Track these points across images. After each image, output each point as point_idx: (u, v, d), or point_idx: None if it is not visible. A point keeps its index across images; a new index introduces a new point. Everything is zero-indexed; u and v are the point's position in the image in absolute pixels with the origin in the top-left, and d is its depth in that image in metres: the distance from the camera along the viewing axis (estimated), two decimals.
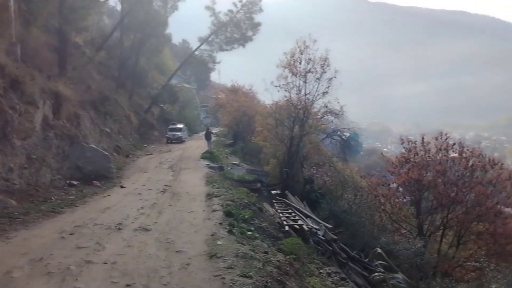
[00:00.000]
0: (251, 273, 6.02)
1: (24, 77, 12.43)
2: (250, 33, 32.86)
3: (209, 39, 33.54)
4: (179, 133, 32.99)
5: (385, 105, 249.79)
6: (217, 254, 6.84)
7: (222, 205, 10.97)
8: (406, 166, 21.26)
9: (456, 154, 21.43)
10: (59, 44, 19.41)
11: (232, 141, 37.25)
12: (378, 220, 20.29)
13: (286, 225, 12.29)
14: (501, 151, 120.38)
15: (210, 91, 59.89)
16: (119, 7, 30.72)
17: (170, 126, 33.65)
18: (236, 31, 32.78)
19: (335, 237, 13.37)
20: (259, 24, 32.51)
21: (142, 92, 35.41)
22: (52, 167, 13.31)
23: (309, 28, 25.20)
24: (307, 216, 14.35)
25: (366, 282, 11.97)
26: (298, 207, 15.31)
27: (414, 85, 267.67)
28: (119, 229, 8.65)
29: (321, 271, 10.19)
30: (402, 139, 22.54)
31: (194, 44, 38.48)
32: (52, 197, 11.62)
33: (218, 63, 40.07)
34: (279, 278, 6.36)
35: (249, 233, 8.83)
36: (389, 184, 22.58)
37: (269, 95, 26.34)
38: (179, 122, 35.59)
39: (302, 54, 23.77)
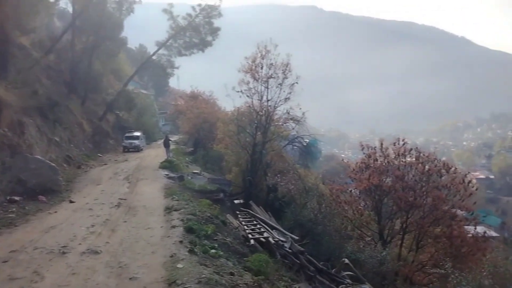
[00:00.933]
0: None
1: None
2: (209, 38, 32.40)
3: (167, 43, 32.67)
4: (137, 141, 31.78)
5: (342, 112, 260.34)
6: (176, 281, 6.12)
7: (182, 220, 10.20)
8: (366, 172, 21.49)
9: (413, 159, 22.01)
10: None
11: (192, 148, 36.29)
12: (342, 227, 20.26)
13: (252, 238, 11.72)
14: (449, 155, 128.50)
15: (169, 98, 58.62)
16: (70, 9, 29.03)
17: (127, 134, 32.38)
18: (195, 35, 32.20)
19: (302, 248, 12.98)
20: (218, 29, 32.12)
21: (97, 98, 33.57)
22: None
23: (270, 35, 25.00)
24: (273, 228, 13.87)
25: None
26: (263, 218, 14.81)
27: (368, 92, 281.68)
28: (64, 252, 7.65)
29: None
30: (362, 145, 22.79)
31: (152, 49, 37.38)
32: None
33: (177, 68, 39.42)
34: None
35: (213, 251, 8.16)
36: (351, 190, 22.74)
37: (230, 101, 25.92)
38: (137, 130, 34.33)
39: (263, 59, 23.50)
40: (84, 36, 28.66)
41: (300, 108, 25.08)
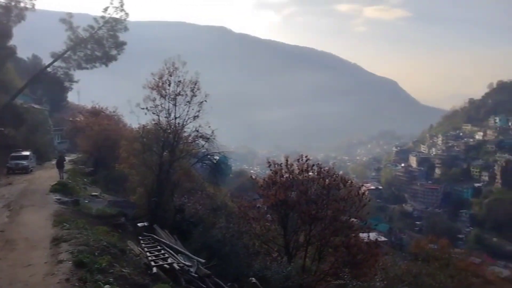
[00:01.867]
0: None
1: None
2: (114, 52, 30.80)
3: (65, 55, 30.08)
4: (25, 162, 28.29)
5: (251, 129, 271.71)
6: None
7: (72, 253, 9.05)
8: (273, 187, 22.18)
9: (315, 174, 23.47)
10: None
11: (92, 168, 33.33)
12: (250, 245, 20.40)
13: (154, 266, 10.94)
14: (345, 169, 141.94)
15: (66, 113, 53.46)
16: None
17: (13, 154, 28.67)
18: (97, 48, 30.32)
19: (209, 272, 12.57)
20: (124, 43, 30.74)
21: None
22: None
23: (179, 52, 24.75)
24: (178, 252, 13.22)
25: None
26: (168, 243, 14.05)
27: (276, 111, 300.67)
28: None
29: None
30: (269, 162, 23.51)
31: (47, 61, 33.87)
32: None
33: (76, 82, 36.60)
34: None
35: (107, 286, 7.34)
36: (259, 206, 23.18)
37: (135, 118, 24.51)
38: (26, 149, 30.39)
39: (171, 76, 22.92)
40: None
41: (210, 126, 24.99)
